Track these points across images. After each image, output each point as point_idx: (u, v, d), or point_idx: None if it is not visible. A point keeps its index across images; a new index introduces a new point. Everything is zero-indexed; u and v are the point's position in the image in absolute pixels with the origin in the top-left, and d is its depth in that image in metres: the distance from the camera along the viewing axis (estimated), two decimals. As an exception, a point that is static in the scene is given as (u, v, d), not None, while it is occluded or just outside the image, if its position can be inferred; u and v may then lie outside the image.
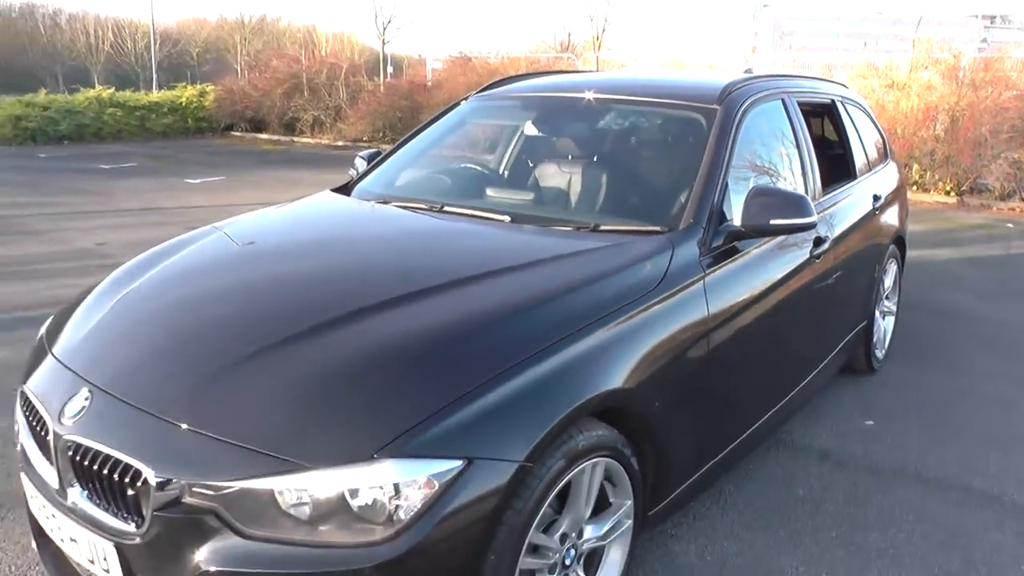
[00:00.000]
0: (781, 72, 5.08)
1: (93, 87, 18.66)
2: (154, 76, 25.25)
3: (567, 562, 1.90)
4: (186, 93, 18.06)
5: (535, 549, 1.78)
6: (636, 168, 2.92)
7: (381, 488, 1.51)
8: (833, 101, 3.86)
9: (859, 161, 3.88)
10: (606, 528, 2.00)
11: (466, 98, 3.58)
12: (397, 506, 1.52)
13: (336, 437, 1.58)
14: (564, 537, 1.88)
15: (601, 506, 2.01)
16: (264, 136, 17.55)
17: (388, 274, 2.22)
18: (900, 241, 4.28)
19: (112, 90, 17.56)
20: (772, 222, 2.44)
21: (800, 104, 3.36)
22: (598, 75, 3.87)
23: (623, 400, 1.93)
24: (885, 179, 4.18)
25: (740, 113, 2.79)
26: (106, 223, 7.67)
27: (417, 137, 3.46)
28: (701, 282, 2.30)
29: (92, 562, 1.73)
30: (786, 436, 3.31)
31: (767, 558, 2.50)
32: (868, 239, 3.69)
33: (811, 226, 2.53)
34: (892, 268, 4.20)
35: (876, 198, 3.85)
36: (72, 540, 1.75)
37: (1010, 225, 8.69)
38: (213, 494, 1.55)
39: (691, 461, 2.33)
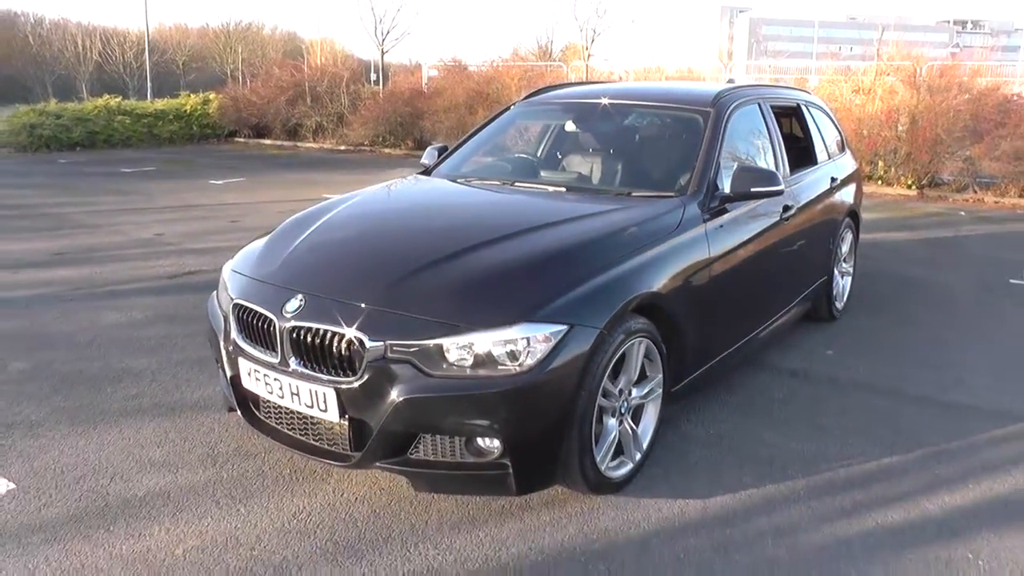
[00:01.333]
0: (757, 82, 6.07)
1: (82, 97, 19.32)
2: (149, 85, 25.89)
3: (622, 410, 2.82)
4: (190, 101, 18.84)
5: (605, 394, 2.70)
6: (653, 153, 3.89)
7: (517, 341, 2.42)
8: (799, 104, 4.84)
9: (819, 151, 4.86)
10: (645, 391, 2.93)
11: (513, 103, 4.51)
12: (528, 352, 2.43)
13: (488, 311, 2.50)
14: (620, 392, 2.80)
15: (641, 379, 2.93)
16: (268, 141, 18.37)
17: (501, 220, 3.18)
18: (854, 215, 5.27)
19: (120, 99, 18.30)
20: (752, 189, 3.41)
21: (772, 107, 4.34)
22: (615, 85, 4.83)
23: (657, 300, 2.86)
24: (841, 166, 5.16)
25: (728, 113, 3.76)
26: (154, 218, 8.49)
27: (478, 134, 4.37)
28: (703, 229, 3.25)
29: (310, 406, 2.61)
30: (765, 360, 4.25)
31: (752, 432, 3.43)
32: (826, 211, 4.66)
33: (780, 192, 3.49)
34: (848, 236, 5.19)
35: (833, 179, 4.82)
36: (294, 393, 2.63)
37: (963, 213, 9.74)
38: (407, 350, 2.45)
39: (700, 355, 3.26)
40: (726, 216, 3.43)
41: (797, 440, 3.38)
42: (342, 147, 17.28)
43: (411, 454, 2.54)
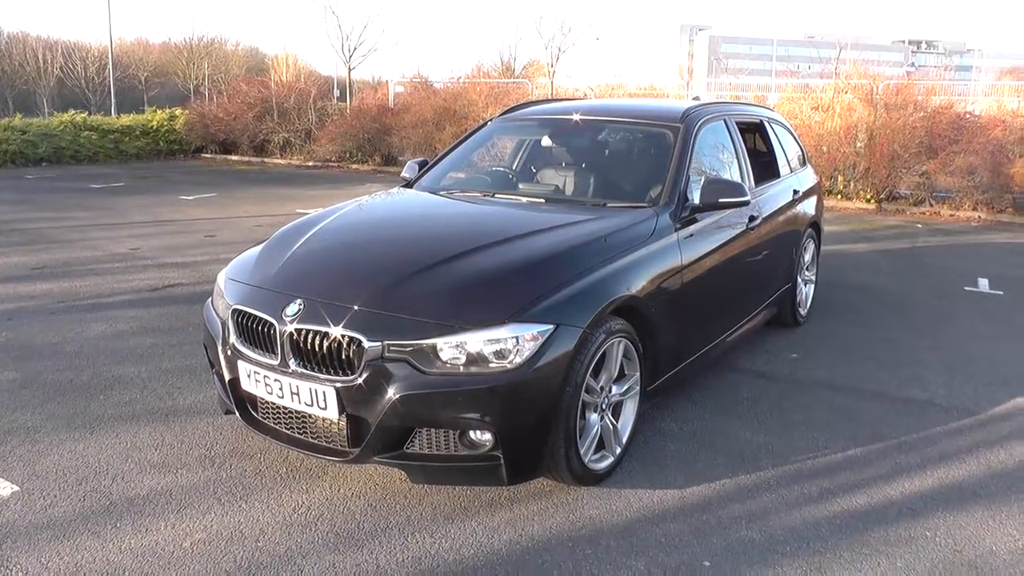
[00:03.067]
0: (722, 100, 6.35)
1: (43, 112, 19.11)
2: (112, 100, 25.66)
3: (604, 406, 3.01)
4: (156, 117, 18.77)
5: (588, 390, 2.88)
6: (626, 166, 4.10)
7: (507, 340, 2.60)
8: (762, 121, 5.11)
9: (782, 165, 5.13)
10: (624, 388, 3.12)
11: (490, 120, 4.70)
12: (517, 350, 2.60)
13: (480, 312, 2.67)
14: (602, 389, 2.98)
15: (620, 377, 3.12)
16: (235, 157, 18.36)
17: (486, 228, 3.35)
18: (816, 226, 5.55)
19: (85, 114, 18.18)
20: (720, 200, 3.64)
21: (737, 122, 4.59)
22: (588, 102, 5.05)
23: (634, 302, 3.06)
24: (803, 179, 5.44)
25: (696, 129, 3.99)
26: (129, 233, 8.51)
27: (457, 149, 4.55)
28: (675, 238, 3.47)
29: (310, 404, 2.75)
30: (732, 363, 4.47)
31: (723, 427, 3.64)
32: (789, 221, 4.92)
33: (746, 203, 3.72)
34: (811, 246, 5.46)
35: (795, 192, 5.09)
36: (294, 393, 2.77)
37: (919, 226, 10.17)
38: (403, 350, 2.61)
39: (674, 356, 3.46)
40: (696, 226, 3.65)
41: (765, 435, 3.59)
42: (310, 163, 17.35)
43: (407, 448, 2.70)
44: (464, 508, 2.87)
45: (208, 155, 18.73)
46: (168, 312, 5.43)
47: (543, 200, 3.79)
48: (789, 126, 5.72)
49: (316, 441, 2.85)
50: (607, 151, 4.25)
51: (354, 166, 16.96)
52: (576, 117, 4.24)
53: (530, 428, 2.68)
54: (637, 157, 4.13)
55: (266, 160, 17.86)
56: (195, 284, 6.25)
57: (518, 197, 3.86)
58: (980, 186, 10.39)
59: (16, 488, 3.00)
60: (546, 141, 4.37)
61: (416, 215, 3.82)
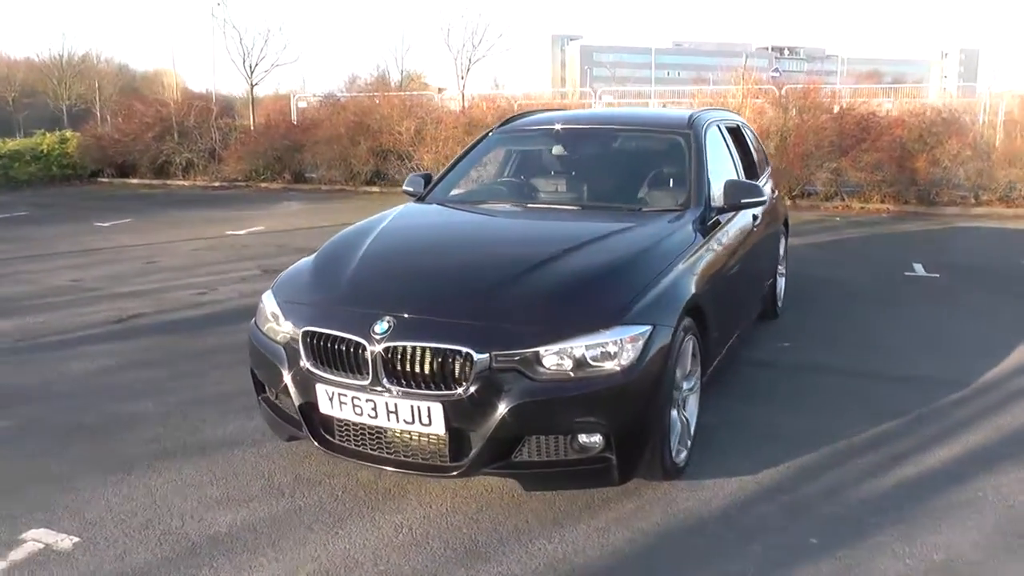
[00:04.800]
0: (712, 107, 6.66)
1: None
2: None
3: (679, 402, 3.11)
4: (47, 140, 17.55)
5: (675, 387, 2.98)
6: (648, 172, 4.22)
7: (613, 343, 2.66)
8: (738, 126, 5.38)
9: (759, 165, 5.42)
10: (692, 384, 3.24)
11: (489, 132, 4.73)
12: (623, 352, 2.66)
13: (583, 317, 2.72)
14: (679, 385, 3.08)
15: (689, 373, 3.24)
16: (135, 181, 17.40)
17: (548, 236, 3.41)
18: (786, 222, 5.89)
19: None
20: (743, 200, 3.83)
21: (726, 127, 4.82)
22: (588, 112, 5.19)
23: (697, 300, 3.18)
24: (771, 178, 5.76)
25: (702, 135, 4.18)
26: (60, 264, 7.97)
27: (461, 162, 4.56)
28: (711, 237, 3.64)
29: (410, 422, 2.70)
30: (740, 356, 4.68)
31: (756, 415, 3.83)
32: (773, 218, 5.22)
33: (764, 203, 3.94)
34: (783, 241, 5.79)
35: (773, 190, 5.39)
36: (391, 412, 2.72)
37: (838, 219, 10.88)
38: (510, 359, 2.62)
39: (716, 350, 3.61)
40: (721, 226, 3.83)
41: (799, 419, 3.79)
42: (216, 183, 16.68)
43: (515, 457, 2.70)
44: (564, 512, 2.90)
45: (105, 179, 17.66)
46: (145, 345, 5.14)
47: (578, 208, 3.87)
48: (753, 129, 6.04)
49: (409, 459, 2.81)
50: (624, 158, 4.39)
51: (263, 184, 16.43)
52: (587, 126, 4.35)
53: (638, 427, 2.75)
54: (656, 163, 4.27)
55: (168, 182, 17.04)
56: (159, 313, 5.94)
57: (553, 206, 3.93)
58: (888, 180, 11.24)
59: (76, 539, 2.80)
60: (558, 150, 4.46)
61: (464, 228, 3.82)
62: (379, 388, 2.73)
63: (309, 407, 2.96)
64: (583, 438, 2.71)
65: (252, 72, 18.19)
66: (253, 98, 18.31)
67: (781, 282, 5.84)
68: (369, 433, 2.86)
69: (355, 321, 2.82)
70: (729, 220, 3.98)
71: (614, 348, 2.66)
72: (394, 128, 15.65)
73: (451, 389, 2.66)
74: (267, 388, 3.27)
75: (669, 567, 2.59)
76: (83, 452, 3.51)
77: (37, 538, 2.81)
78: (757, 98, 13.31)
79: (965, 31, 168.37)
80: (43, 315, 5.89)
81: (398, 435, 2.81)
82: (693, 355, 3.22)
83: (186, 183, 16.95)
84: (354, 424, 2.87)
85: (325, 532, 2.79)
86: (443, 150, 15.17)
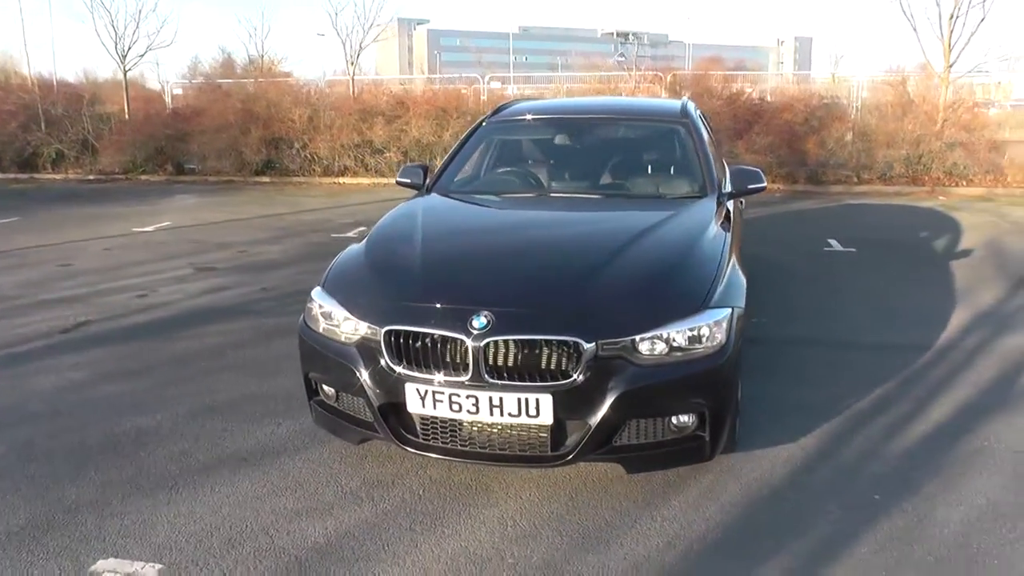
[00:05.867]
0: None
1: None
2: None
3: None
4: None
5: (737, 364, 3.17)
6: (657, 159, 4.40)
7: (704, 326, 2.80)
8: (703, 115, 5.66)
9: (719, 150, 5.74)
10: (736, 361, 3.44)
11: (482, 121, 4.73)
12: (713, 334, 2.81)
13: (676, 303, 2.85)
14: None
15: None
16: (-2, 175, 15.83)
17: (601, 226, 3.54)
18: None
19: None
20: (748, 187, 4.08)
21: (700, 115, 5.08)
22: (582, 100, 5.28)
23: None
24: (724, 163, 6.11)
25: (699, 122, 4.40)
26: (-43, 271, 7.19)
27: (460, 153, 4.54)
28: (729, 222, 3.84)
29: (515, 415, 2.73)
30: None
31: (766, 390, 4.07)
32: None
33: (764, 188, 4.20)
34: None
35: (734, 174, 5.73)
36: (495, 406, 2.73)
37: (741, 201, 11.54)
38: (615, 346, 2.70)
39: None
40: (729, 209, 4.06)
41: (802, 390, 4.09)
42: (91, 177, 15.49)
43: (615, 442, 2.80)
44: (651, 492, 3.01)
45: (-43, 174, 15.93)
46: (112, 354, 4.79)
47: (601, 196, 3.98)
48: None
49: (506, 451, 2.84)
50: (628, 146, 4.53)
51: (144, 177, 15.41)
52: (589, 115, 4.45)
53: (727, 404, 2.91)
54: (661, 150, 4.45)
55: (36, 176, 15.64)
56: (108, 320, 5.53)
57: (573, 195, 4.01)
58: (780, 161, 12.06)
59: (159, 565, 2.63)
60: (562, 139, 4.53)
61: (512, 219, 3.86)
62: (480, 383, 2.74)
63: (390, 407, 2.92)
64: (678, 419, 2.84)
65: (125, 57, 16.87)
66: (127, 85, 17.02)
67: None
68: (459, 429, 2.86)
69: (449, 318, 2.80)
70: (732, 205, 4.22)
71: (706, 331, 2.80)
72: (286, 115, 15.10)
73: (560, 380, 2.70)
74: (322, 390, 3.19)
75: (771, 532, 2.76)
76: (105, 474, 3.26)
77: (112, 569, 2.62)
78: (652, 83, 13.86)
79: (798, 20, 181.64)
80: (-27, 328, 5.33)
81: (493, 429, 2.82)
82: (736, 334, 3.43)
83: (58, 177, 15.63)
84: (442, 421, 2.86)
85: (430, 532, 2.77)
86: (339, 137, 14.83)
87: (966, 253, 7.56)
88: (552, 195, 4.04)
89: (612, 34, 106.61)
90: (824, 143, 12.19)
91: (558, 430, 2.77)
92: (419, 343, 2.82)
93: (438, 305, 2.88)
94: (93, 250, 8.15)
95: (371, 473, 3.21)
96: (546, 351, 2.71)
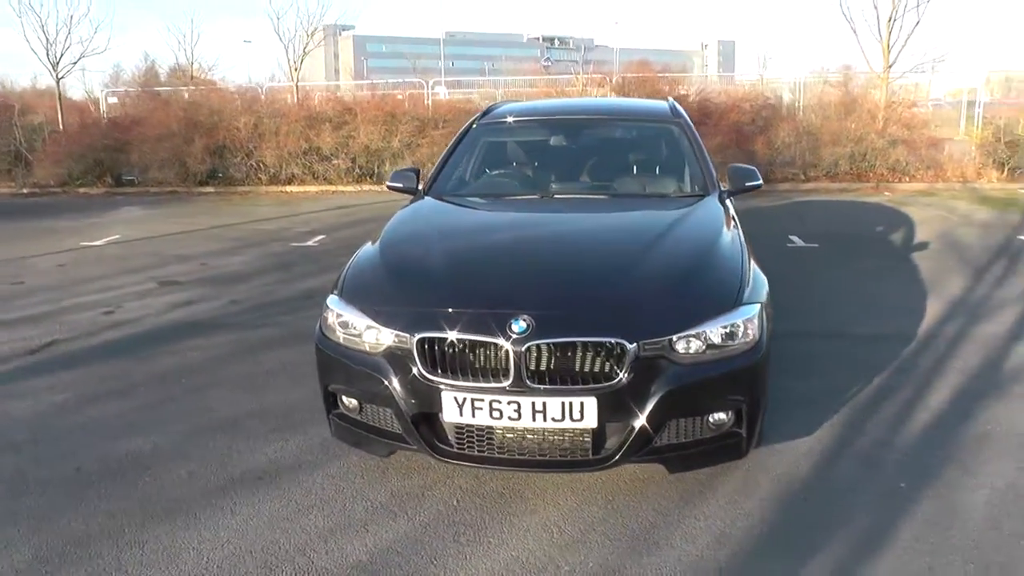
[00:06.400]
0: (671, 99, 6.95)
1: None
2: None
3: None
4: None
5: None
6: (655, 159, 4.42)
7: (739, 324, 2.81)
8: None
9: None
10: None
11: (473, 123, 4.68)
12: (747, 331, 2.82)
13: (711, 301, 2.86)
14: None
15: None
16: (-81, 190, 14.95)
17: (625, 225, 3.50)
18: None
19: None
20: (746, 184, 4.14)
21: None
22: (572, 102, 5.26)
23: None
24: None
25: (690, 122, 4.45)
26: None
27: (453, 156, 4.47)
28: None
29: (558, 419, 2.68)
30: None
31: (773, 384, 4.13)
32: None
33: (761, 185, 4.26)
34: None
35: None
36: (537, 411, 2.68)
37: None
38: (656, 346, 2.69)
39: None
40: (730, 207, 4.11)
41: (807, 382, 4.16)
42: (26, 191, 14.76)
43: (656, 442, 2.78)
44: (687, 491, 3.01)
45: None
46: (89, 375, 4.56)
47: (607, 197, 3.98)
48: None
49: (546, 457, 2.80)
50: (624, 146, 4.54)
51: (82, 190, 14.75)
52: (581, 116, 4.45)
53: (761, 400, 2.93)
54: (658, 150, 4.47)
55: (-38, 191, 14.82)
56: (76, 339, 5.26)
57: (578, 196, 4.00)
58: (730, 160, 12.29)
59: (194, 593, 2.50)
60: (557, 140, 4.51)
61: (528, 221, 3.79)
62: (522, 388, 2.68)
63: (422, 417, 2.84)
64: (715, 416, 2.85)
65: (57, 65, 16.16)
66: (61, 94, 16.31)
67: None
68: (493, 436, 2.80)
69: (485, 323, 2.74)
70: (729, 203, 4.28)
71: (740, 328, 2.82)
72: (231, 123, 14.70)
73: (603, 382, 2.67)
74: (342, 403, 3.09)
75: (812, 525, 2.79)
76: (110, 502, 3.08)
77: (144, 603, 2.48)
78: (601, 86, 14.01)
79: (721, 24, 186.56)
80: (-71, 353, 5.00)
81: (529, 434, 2.78)
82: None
83: (-12, 191, 14.85)
84: (477, 428, 2.80)
85: (475, 543, 2.71)
86: (285, 144, 14.51)
87: (924, 246, 7.85)
88: (556, 196, 4.01)
89: (538, 39, 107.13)
90: (771, 142, 12.50)
91: (599, 433, 2.74)
92: (454, 350, 2.76)
93: (472, 310, 2.82)
94: (44, 266, 7.76)
95: (398, 486, 3.12)
96: (587, 353, 2.68)
